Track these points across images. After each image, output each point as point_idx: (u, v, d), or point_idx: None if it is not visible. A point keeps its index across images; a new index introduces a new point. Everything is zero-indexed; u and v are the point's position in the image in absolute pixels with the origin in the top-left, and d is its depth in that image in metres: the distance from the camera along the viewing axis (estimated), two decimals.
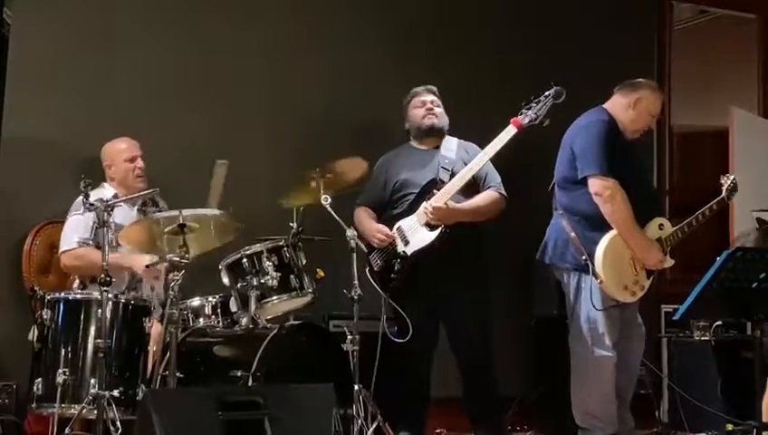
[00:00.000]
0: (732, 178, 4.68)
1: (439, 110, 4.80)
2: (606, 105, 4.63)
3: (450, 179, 4.56)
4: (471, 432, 4.69)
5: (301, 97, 5.53)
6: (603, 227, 4.36)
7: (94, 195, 4.12)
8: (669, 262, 4.56)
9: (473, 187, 4.63)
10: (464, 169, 4.56)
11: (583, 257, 4.34)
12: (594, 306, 4.36)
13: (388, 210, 4.74)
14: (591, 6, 6.39)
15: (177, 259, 3.89)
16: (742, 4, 7.22)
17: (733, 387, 5.21)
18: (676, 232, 4.53)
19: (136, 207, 4.68)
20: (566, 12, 6.29)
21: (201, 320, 4.39)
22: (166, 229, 3.99)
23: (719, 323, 5.46)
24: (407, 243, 4.53)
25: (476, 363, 4.64)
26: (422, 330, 4.53)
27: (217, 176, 4.58)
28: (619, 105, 4.59)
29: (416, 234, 4.51)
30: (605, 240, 4.35)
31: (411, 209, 4.59)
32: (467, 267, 4.60)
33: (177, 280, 3.87)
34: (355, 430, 4.01)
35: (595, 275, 4.32)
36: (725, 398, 5.17)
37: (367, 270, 4.60)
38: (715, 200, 4.62)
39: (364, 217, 4.76)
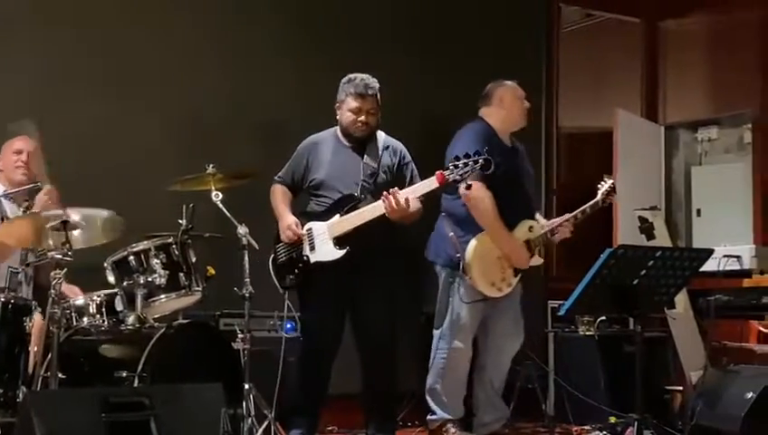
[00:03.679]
0: (610, 182, 4.96)
1: (374, 119, 4.60)
2: (483, 115, 4.90)
3: (374, 188, 4.49)
4: (362, 429, 4.67)
5: (196, 91, 5.42)
6: (476, 228, 4.64)
7: None
8: (538, 261, 4.85)
9: (396, 183, 4.55)
10: (380, 204, 4.39)
11: (457, 255, 4.59)
12: (462, 299, 4.63)
13: (303, 198, 4.66)
14: (481, 8, 6.42)
15: (60, 256, 3.73)
16: (627, 9, 7.37)
17: (616, 380, 5.33)
18: (545, 234, 4.83)
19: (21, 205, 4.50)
20: (456, 14, 6.30)
21: (85, 319, 4.24)
22: (48, 225, 3.83)
23: (603, 318, 5.60)
24: (312, 248, 4.46)
25: (380, 361, 4.61)
26: (324, 327, 4.52)
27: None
28: (489, 113, 4.89)
29: (323, 245, 4.44)
30: (475, 240, 4.64)
31: (326, 214, 4.50)
32: (376, 265, 4.54)
33: (60, 278, 3.72)
34: (245, 429, 3.94)
35: (464, 271, 4.57)
36: (609, 391, 5.28)
37: (270, 259, 4.54)
38: (588, 204, 4.93)
39: (280, 198, 4.63)
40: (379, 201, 4.39)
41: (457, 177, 4.41)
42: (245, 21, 5.62)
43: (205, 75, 5.47)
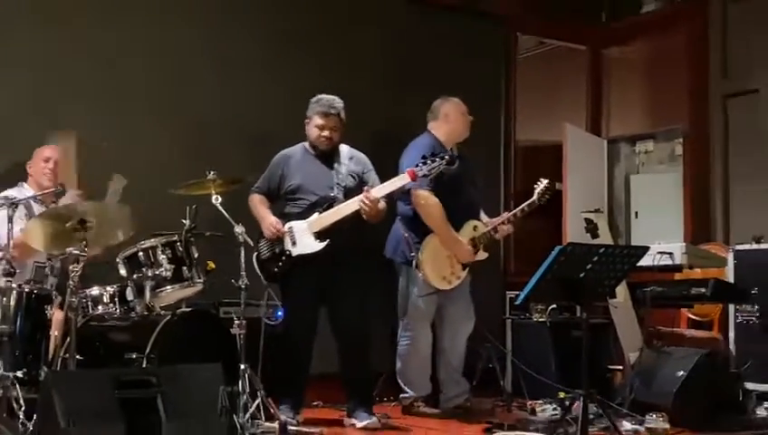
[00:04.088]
0: (545, 183, 4.93)
1: (336, 134, 4.63)
2: (431, 129, 4.94)
3: (343, 193, 4.52)
4: (344, 403, 4.68)
5: (195, 102, 5.41)
6: (427, 230, 4.71)
7: (11, 193, 4.14)
8: (483, 255, 4.89)
9: (360, 189, 4.57)
10: (355, 201, 4.44)
11: (411, 254, 4.65)
12: (418, 293, 4.70)
13: (278, 202, 4.65)
14: (449, 37, 6.41)
15: (78, 251, 3.75)
16: (574, 38, 7.39)
17: (565, 361, 5.37)
18: (488, 232, 4.85)
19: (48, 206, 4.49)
20: (426, 42, 6.29)
21: (100, 307, 4.25)
22: (67, 224, 3.83)
23: (554, 306, 5.61)
24: (294, 243, 4.47)
25: (355, 345, 4.62)
26: (305, 313, 4.52)
27: (113, 190, 4.39)
28: (436, 127, 4.94)
29: (305, 239, 4.45)
30: (427, 240, 4.69)
31: (304, 214, 4.51)
32: (350, 261, 4.56)
33: (77, 271, 3.74)
34: (241, 404, 3.94)
35: (418, 267, 4.63)
36: (559, 370, 5.32)
37: (254, 256, 4.53)
38: (525, 203, 4.93)
39: (259, 203, 4.65)
40: (354, 199, 4.44)
41: (426, 172, 4.48)
42: (242, 48, 5.61)
43: (205, 93, 5.47)
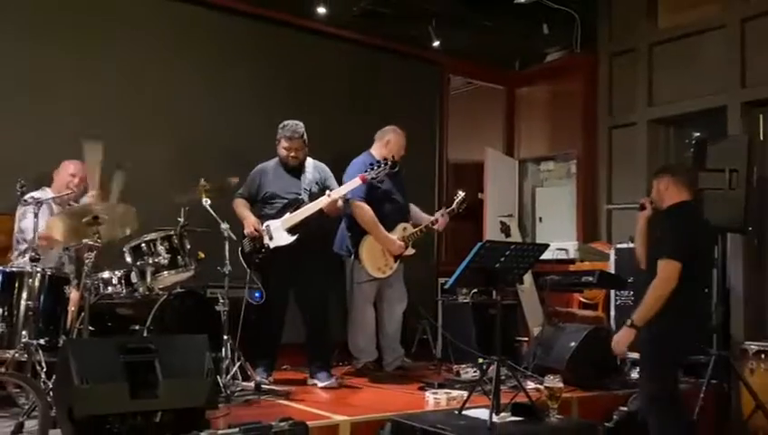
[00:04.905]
0: (462, 195, 4.92)
1: (301, 153, 4.57)
2: (371, 149, 4.90)
3: (309, 197, 4.48)
4: (308, 367, 4.61)
5: (188, 126, 5.31)
6: (364, 230, 4.66)
7: (36, 194, 4.02)
8: (411, 251, 4.83)
9: (322, 193, 4.53)
10: (320, 201, 4.41)
11: (353, 248, 4.65)
12: (359, 280, 4.68)
13: (257, 205, 4.58)
14: (395, 77, 6.38)
15: (92, 242, 3.65)
16: (494, 79, 7.42)
17: (482, 333, 5.38)
18: (416, 232, 4.84)
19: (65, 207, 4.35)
20: (378, 80, 6.26)
21: (110, 288, 4.14)
22: (83, 220, 3.72)
23: (475, 290, 5.60)
24: (271, 238, 4.41)
25: (317, 319, 4.56)
26: (279, 295, 4.47)
27: (117, 181, 4.26)
28: (376, 148, 4.90)
29: (280, 234, 4.39)
30: (364, 238, 4.65)
31: (278, 214, 4.45)
32: (314, 252, 4.49)
33: (91, 258, 3.64)
34: (223, 367, 3.89)
35: (358, 259, 4.63)
36: (478, 340, 5.32)
37: (239, 250, 4.46)
38: (446, 210, 4.97)
39: (242, 206, 4.57)
40: (318, 199, 4.42)
41: (374, 175, 4.46)
42: (227, 84, 5.52)
43: (197, 118, 5.36)
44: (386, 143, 4.87)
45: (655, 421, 3.50)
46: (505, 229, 6.28)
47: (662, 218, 3.68)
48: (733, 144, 5.09)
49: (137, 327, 3.88)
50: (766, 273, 5.62)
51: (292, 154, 4.55)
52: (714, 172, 4.82)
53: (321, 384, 4.42)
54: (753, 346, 4.47)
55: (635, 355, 5.16)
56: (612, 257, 5.59)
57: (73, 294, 3.91)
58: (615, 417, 4.13)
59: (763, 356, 4.42)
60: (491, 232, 6.39)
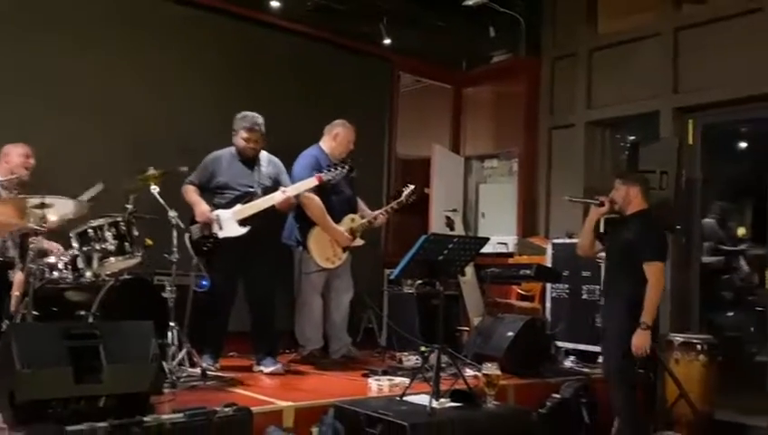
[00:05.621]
0: (411, 187, 4.96)
1: (259, 144, 4.51)
2: (320, 142, 4.85)
3: (261, 191, 4.42)
4: (254, 354, 4.57)
5: (139, 114, 5.17)
6: (313, 221, 4.63)
7: None
8: (359, 242, 4.83)
9: (275, 188, 4.48)
10: (273, 197, 4.37)
11: (302, 239, 4.63)
12: (307, 270, 4.64)
13: (207, 194, 4.48)
14: (347, 74, 6.34)
15: (36, 227, 3.54)
16: (442, 78, 7.47)
17: (425, 322, 5.41)
18: (363, 223, 4.83)
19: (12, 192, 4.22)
20: (330, 76, 6.21)
21: (55, 273, 4.01)
22: (29, 205, 3.60)
23: (420, 281, 5.62)
24: (221, 228, 4.34)
25: (263, 308, 4.53)
26: (227, 283, 4.41)
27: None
28: (325, 141, 4.86)
29: (230, 225, 4.32)
30: (314, 229, 4.63)
31: (229, 205, 4.38)
32: (263, 243, 4.45)
33: (35, 243, 3.55)
34: (170, 354, 3.83)
35: (306, 250, 4.60)
36: (421, 330, 5.36)
37: (187, 237, 4.37)
38: (396, 201, 4.96)
39: (192, 192, 4.47)
40: (271, 195, 4.36)
41: (330, 177, 4.44)
42: (179, 74, 5.41)
43: (148, 107, 5.23)
44: (334, 136, 4.85)
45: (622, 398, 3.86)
46: (450, 223, 6.35)
47: (635, 223, 3.93)
48: (664, 147, 5.28)
49: (83, 313, 3.79)
50: (691, 270, 5.84)
51: (251, 145, 4.49)
52: (645, 173, 4.98)
53: (266, 370, 4.39)
54: (678, 338, 4.61)
55: (569, 345, 5.34)
56: (549, 252, 5.70)
57: (17, 278, 3.77)
58: (548, 404, 4.23)
59: (686, 348, 4.57)
60: (436, 226, 6.44)
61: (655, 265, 3.76)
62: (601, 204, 4.06)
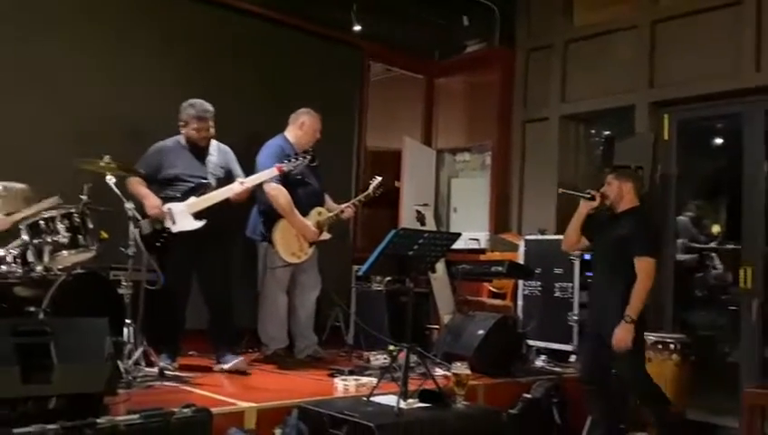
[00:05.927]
0: (378, 179, 4.94)
1: (211, 132, 4.44)
2: (285, 132, 4.79)
3: (215, 181, 4.35)
4: (213, 353, 4.50)
5: (91, 100, 5.00)
6: (278, 214, 4.57)
7: None
8: (326, 236, 4.80)
9: (230, 179, 4.42)
10: (231, 188, 4.31)
11: (267, 233, 4.57)
12: (272, 265, 4.58)
13: (155, 186, 4.36)
14: (316, 62, 6.23)
15: None
16: (414, 68, 7.44)
17: (394, 320, 5.41)
18: (331, 217, 4.80)
19: None
20: (299, 64, 6.08)
21: (3, 267, 3.87)
22: None
23: (389, 278, 5.62)
24: (174, 222, 4.24)
25: (221, 304, 4.46)
26: (181, 279, 4.32)
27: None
28: (290, 131, 4.81)
29: (184, 219, 4.23)
30: (279, 222, 4.57)
31: (182, 198, 4.28)
32: (217, 236, 4.37)
33: None
34: (125, 352, 3.75)
35: (272, 244, 4.55)
36: (390, 328, 5.35)
37: (137, 231, 4.24)
38: (363, 194, 4.95)
39: (139, 184, 4.32)
40: (229, 186, 4.30)
41: (291, 168, 4.39)
42: (130, 54, 5.23)
43: (102, 91, 5.05)
44: (300, 125, 4.79)
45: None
46: (421, 218, 6.34)
47: (629, 220, 3.99)
48: (639, 142, 5.33)
49: (33, 308, 3.69)
50: (664, 268, 5.90)
51: (204, 133, 4.41)
52: (620, 169, 5.01)
53: (227, 366, 4.32)
54: (650, 337, 4.65)
55: (541, 344, 5.36)
56: (522, 248, 5.72)
57: None
58: (519, 404, 4.24)
59: (659, 347, 4.63)
60: (407, 220, 6.42)
61: (646, 261, 3.84)
62: (593, 198, 4.10)
